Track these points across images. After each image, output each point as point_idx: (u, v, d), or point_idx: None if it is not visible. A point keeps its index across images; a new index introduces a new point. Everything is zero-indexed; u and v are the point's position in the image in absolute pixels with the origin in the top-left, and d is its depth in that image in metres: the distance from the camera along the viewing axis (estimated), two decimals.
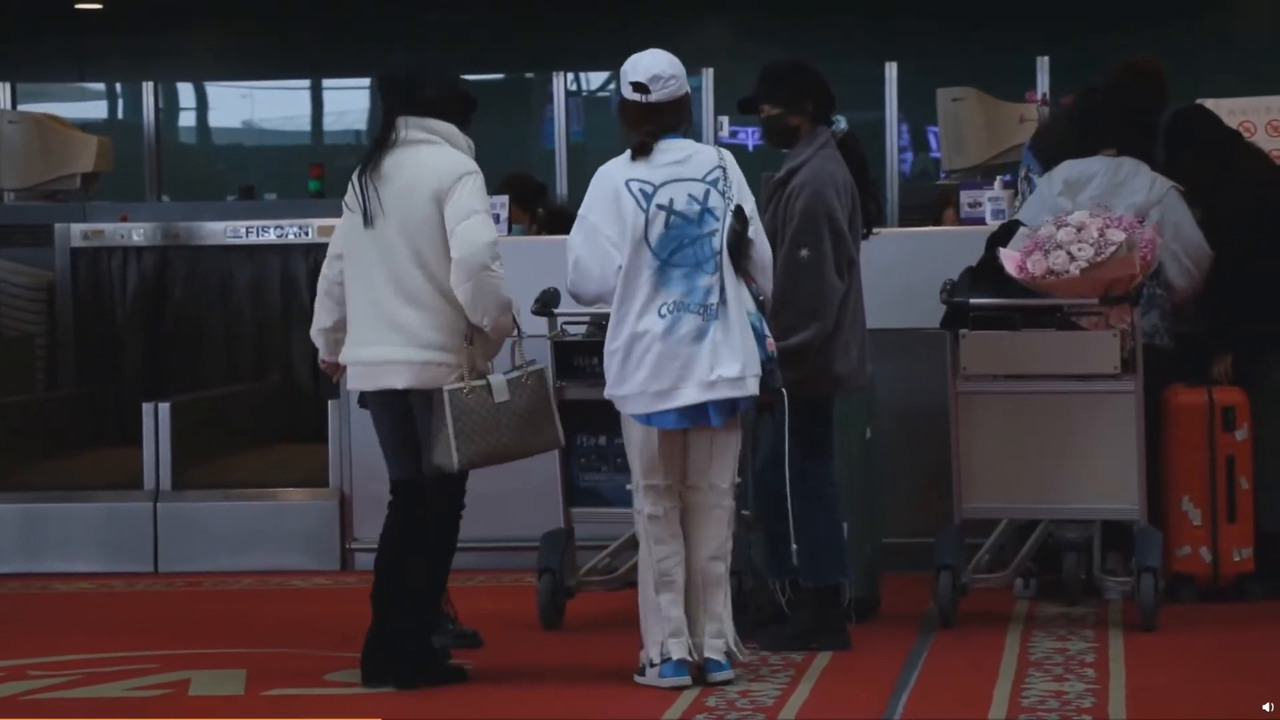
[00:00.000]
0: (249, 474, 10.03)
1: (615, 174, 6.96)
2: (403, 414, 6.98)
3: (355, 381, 7.07)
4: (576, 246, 6.96)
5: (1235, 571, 8.19)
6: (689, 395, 6.87)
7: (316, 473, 9.69)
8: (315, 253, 10.99)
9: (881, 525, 8.22)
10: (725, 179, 6.95)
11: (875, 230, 7.71)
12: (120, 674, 7.39)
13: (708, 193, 6.93)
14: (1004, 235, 8.25)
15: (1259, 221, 8.36)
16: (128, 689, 7.17)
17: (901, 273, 8.76)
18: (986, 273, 8.03)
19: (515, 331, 6.98)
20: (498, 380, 6.88)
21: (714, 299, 6.89)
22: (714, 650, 6.92)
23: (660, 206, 6.90)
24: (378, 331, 6.93)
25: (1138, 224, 7.87)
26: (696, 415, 6.91)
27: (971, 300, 7.91)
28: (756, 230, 7.00)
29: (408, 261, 6.87)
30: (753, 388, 6.94)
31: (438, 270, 6.86)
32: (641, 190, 6.91)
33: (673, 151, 6.97)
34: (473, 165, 6.96)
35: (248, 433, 10.82)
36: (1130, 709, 6.52)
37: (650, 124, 6.97)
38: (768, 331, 7.03)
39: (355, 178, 7.00)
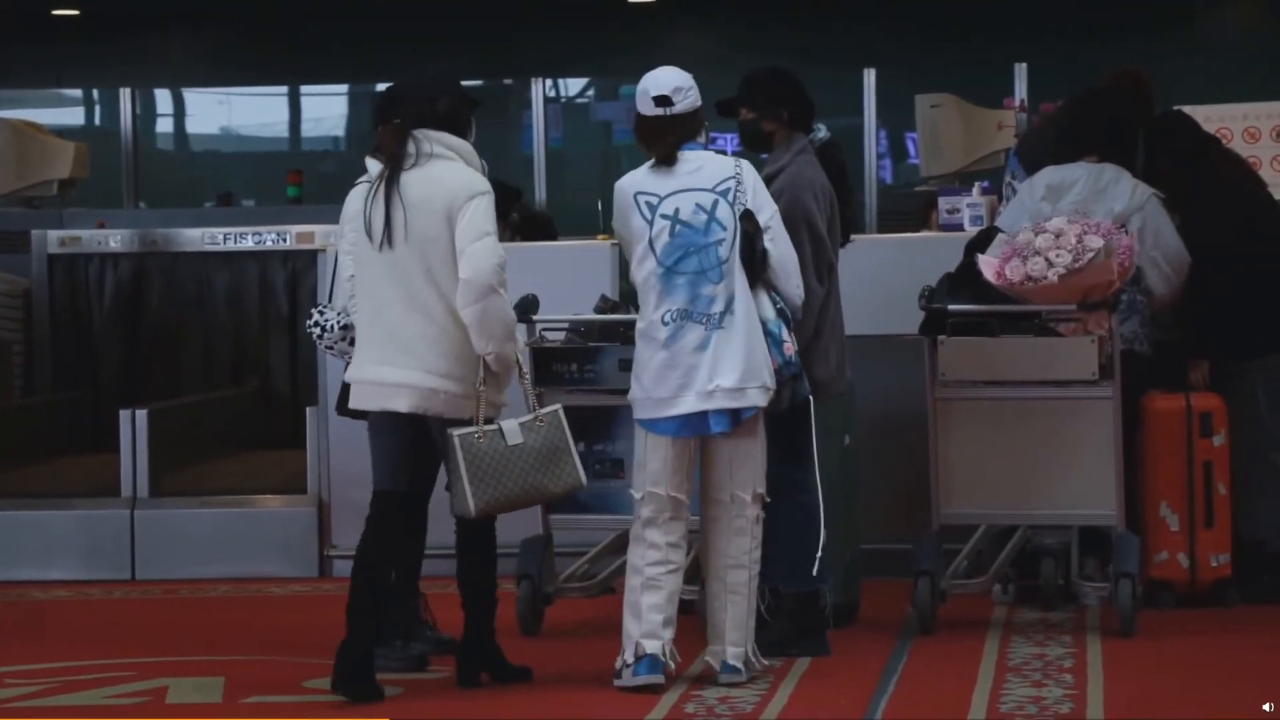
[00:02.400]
0: (227, 481, 10.01)
1: (627, 187, 7.10)
2: (405, 436, 6.93)
3: (359, 400, 6.98)
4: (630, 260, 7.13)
5: (1212, 577, 8.21)
6: (688, 404, 6.92)
7: (294, 479, 9.68)
8: (293, 259, 11.01)
9: (860, 531, 8.23)
10: (739, 189, 7.00)
11: (852, 238, 7.73)
12: (97, 682, 7.37)
13: (716, 203, 6.99)
14: (982, 241, 8.26)
15: (1236, 228, 8.38)
16: (105, 697, 7.15)
17: (880, 279, 8.77)
18: (965, 279, 8.04)
19: (521, 370, 6.94)
20: (510, 424, 6.84)
21: (718, 308, 6.94)
22: (735, 657, 6.97)
23: (665, 216, 6.98)
24: (385, 352, 6.86)
25: (1116, 230, 7.89)
26: (698, 424, 6.95)
27: (950, 306, 7.92)
28: (775, 238, 7.04)
29: (420, 279, 6.82)
30: (754, 398, 6.96)
31: (448, 289, 6.81)
32: (648, 203, 7.02)
33: (688, 163, 7.05)
34: (485, 185, 6.92)
35: (225, 439, 10.81)
36: (1108, 714, 6.53)
37: (672, 135, 7.03)
38: (787, 337, 7.06)
39: (370, 195, 6.88)
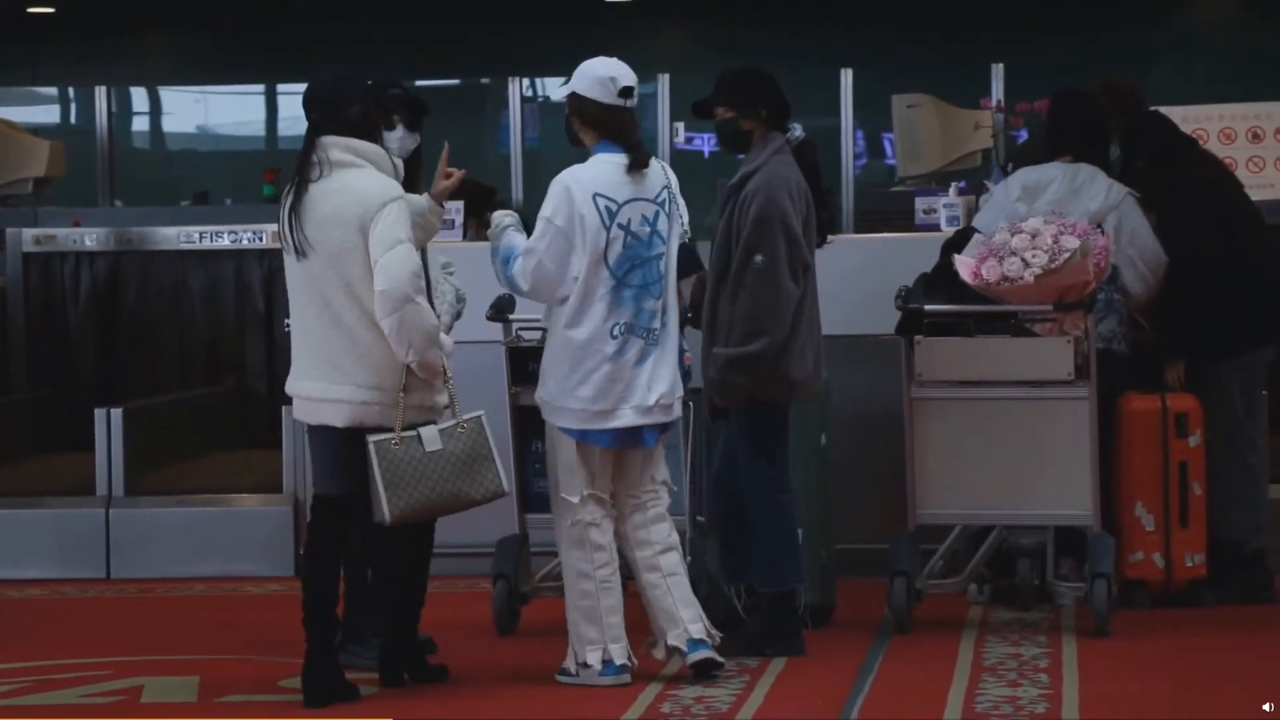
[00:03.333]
0: (202, 480, 9.99)
1: (586, 184, 6.95)
2: (343, 441, 6.88)
3: (298, 413, 6.97)
4: (540, 249, 6.93)
5: (1188, 577, 8.22)
6: (627, 418, 6.97)
7: (270, 478, 9.66)
8: (269, 258, 10.97)
9: (836, 531, 8.23)
10: (671, 199, 7.03)
11: (829, 239, 7.73)
12: (72, 681, 7.35)
13: (657, 214, 7.01)
14: (959, 242, 8.27)
15: (1213, 228, 8.39)
16: (80, 696, 7.13)
17: (856, 279, 8.77)
18: (941, 279, 8.05)
19: (446, 376, 6.88)
20: (429, 430, 6.79)
21: (657, 324, 6.99)
22: (698, 631, 7.02)
23: (620, 226, 6.94)
24: (314, 365, 6.82)
25: (1092, 230, 7.90)
26: (630, 437, 7.00)
27: (926, 306, 7.93)
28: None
29: (339, 293, 6.74)
30: (678, 409, 7.12)
31: (368, 301, 6.72)
32: (607, 208, 6.94)
33: (647, 167, 7.01)
34: (397, 190, 6.80)
35: (201, 438, 10.78)
36: (1083, 714, 6.54)
37: (634, 134, 7.00)
38: (686, 346, 7.21)
39: (282, 208, 6.85)
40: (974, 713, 6.56)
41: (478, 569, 8.60)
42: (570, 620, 7.03)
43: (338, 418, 6.82)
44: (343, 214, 6.74)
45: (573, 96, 7.04)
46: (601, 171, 6.99)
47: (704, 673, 7.00)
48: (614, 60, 7.06)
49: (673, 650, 7.04)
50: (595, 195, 6.93)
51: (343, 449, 6.89)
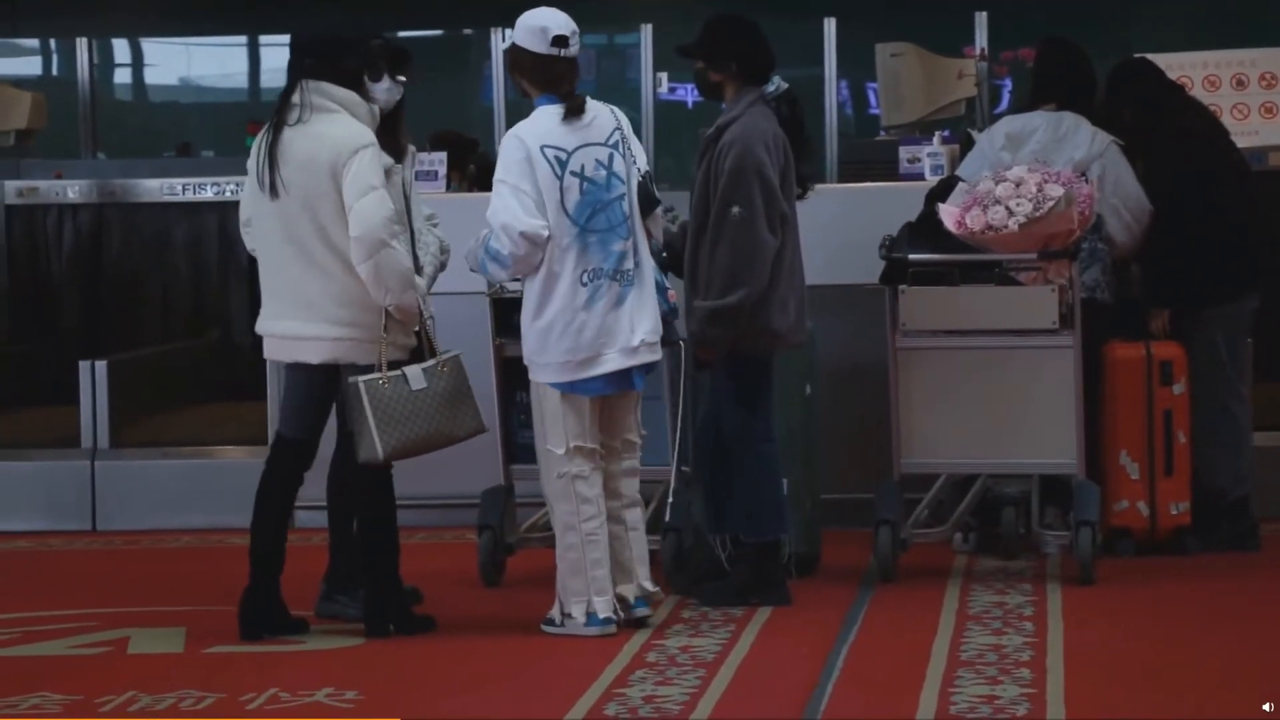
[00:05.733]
0: (187, 432, 9.99)
1: (529, 139, 6.97)
2: (314, 383, 6.99)
3: (271, 352, 7.09)
4: (514, 211, 6.90)
5: (1172, 525, 8.24)
6: (613, 362, 6.97)
7: (255, 430, 9.65)
8: None
9: (821, 481, 8.24)
10: (624, 140, 7.03)
11: (812, 187, 7.71)
12: (59, 632, 7.36)
13: (611, 156, 7.01)
14: (943, 191, 8.26)
15: (1197, 176, 8.39)
16: (67, 647, 7.14)
17: (841, 229, 8.77)
18: (925, 228, 8.04)
19: (426, 315, 6.96)
20: (413, 369, 6.88)
21: (629, 264, 6.98)
22: (651, 584, 7.11)
23: (574, 173, 6.94)
24: (289, 305, 6.93)
25: (1076, 179, 7.89)
26: (621, 381, 6.99)
27: (910, 256, 7.93)
28: (652, 182, 7.14)
29: (312, 236, 6.86)
30: (659, 349, 7.12)
31: (342, 244, 6.84)
32: (556, 158, 6.95)
33: (586, 113, 7.01)
34: (370, 137, 6.89)
35: (186, 390, 10.77)
36: (1068, 662, 6.56)
37: (572, 81, 7.00)
38: (669, 284, 7.18)
39: (257, 149, 6.93)
40: (959, 661, 6.58)
41: (463, 520, 8.61)
42: (559, 571, 7.05)
43: (314, 354, 6.92)
44: (316, 158, 6.83)
45: (511, 49, 7.07)
46: (547, 122, 7.00)
47: (639, 625, 7.08)
48: (550, 10, 7.09)
49: (620, 598, 7.08)
50: (543, 147, 6.94)
51: (315, 389, 6.97)
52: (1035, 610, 7.31)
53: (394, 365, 6.89)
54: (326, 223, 6.84)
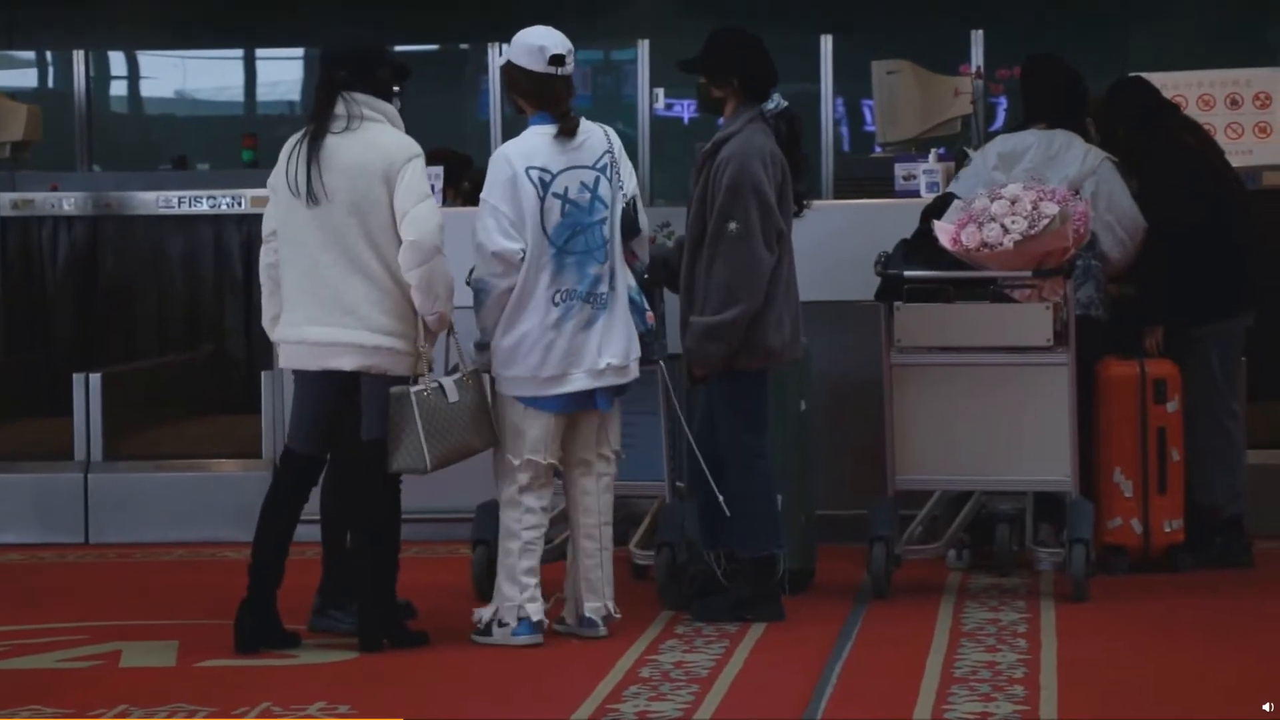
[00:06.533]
0: (181, 445, 9.98)
1: (515, 159, 7.03)
2: (335, 394, 6.98)
3: (296, 360, 7.04)
4: (489, 231, 6.95)
5: (1166, 543, 8.24)
6: (579, 382, 7.02)
7: (249, 444, 9.66)
8: (248, 223, 10.93)
9: (816, 497, 8.24)
10: (613, 164, 7.07)
11: (808, 204, 7.72)
12: (51, 645, 7.35)
13: (598, 180, 7.04)
14: (938, 208, 8.27)
15: (1191, 194, 8.40)
16: (58, 660, 7.13)
17: (836, 245, 8.77)
18: (921, 245, 8.05)
19: (453, 328, 7.03)
20: (448, 381, 6.96)
21: (604, 288, 7.03)
22: (614, 609, 7.17)
23: (556, 195, 6.98)
24: (326, 312, 6.92)
25: (1071, 196, 7.91)
26: (584, 401, 7.04)
27: (906, 273, 7.94)
28: (639, 207, 7.16)
29: (360, 242, 6.89)
30: (634, 371, 7.15)
31: (388, 251, 6.89)
32: (540, 179, 6.99)
33: (579, 134, 7.03)
34: (418, 148, 7.00)
35: (180, 403, 10.77)
36: (1061, 679, 6.56)
37: (569, 101, 7.03)
38: (647, 305, 7.23)
39: (293, 158, 6.94)
40: (953, 678, 6.58)
41: (457, 534, 8.61)
42: (498, 577, 7.10)
43: (348, 361, 6.92)
44: (369, 165, 6.88)
45: (507, 66, 7.11)
46: (536, 143, 7.06)
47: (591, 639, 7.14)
48: (547, 29, 7.12)
49: (586, 621, 7.13)
50: (528, 168, 6.99)
51: (331, 401, 6.97)
52: (1029, 627, 7.31)
53: (419, 378, 6.92)
54: (375, 229, 6.88)
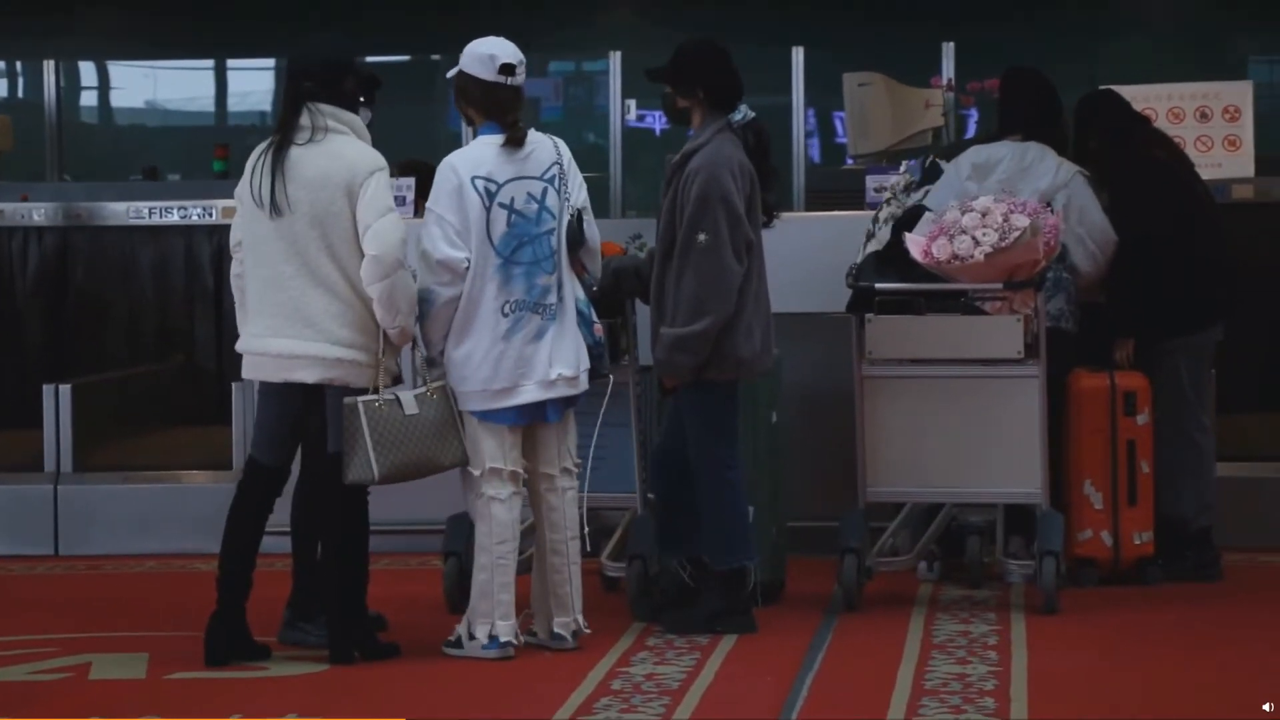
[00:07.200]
0: (151, 456, 9.96)
1: (461, 168, 7.03)
2: (296, 406, 6.98)
3: (258, 372, 7.03)
4: (434, 239, 6.95)
5: (1136, 555, 8.26)
6: (529, 394, 7.02)
7: (219, 455, 9.63)
8: (219, 234, 10.91)
9: (786, 508, 8.25)
10: (562, 175, 7.06)
11: (778, 215, 7.72)
12: (20, 658, 7.33)
13: (545, 191, 7.04)
14: (910, 220, 8.28)
15: (1162, 207, 8.42)
16: (28, 672, 7.11)
17: (807, 257, 8.78)
18: (892, 257, 8.06)
19: (415, 342, 7.01)
20: (406, 394, 6.93)
21: (552, 299, 7.03)
22: (583, 624, 7.16)
23: (502, 205, 6.99)
24: (287, 324, 6.90)
25: (1042, 209, 7.92)
26: (535, 413, 7.04)
27: (877, 285, 7.95)
28: (590, 220, 7.15)
29: (321, 254, 6.86)
30: (584, 382, 7.15)
31: (349, 264, 6.86)
32: (486, 189, 6.99)
33: (526, 144, 7.04)
34: (382, 160, 6.97)
35: (150, 415, 10.74)
36: (1032, 691, 6.57)
37: (514, 112, 7.03)
38: (595, 318, 7.21)
39: (258, 169, 6.93)
40: (923, 690, 6.58)
41: (429, 546, 8.60)
42: (472, 591, 7.10)
43: (310, 374, 6.89)
44: (331, 177, 6.86)
45: (458, 76, 7.12)
46: (483, 152, 7.06)
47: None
48: (498, 39, 7.13)
49: (556, 636, 7.13)
50: (474, 178, 6.99)
51: (293, 413, 6.97)
52: (999, 639, 7.32)
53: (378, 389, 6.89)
54: (336, 241, 6.85)
